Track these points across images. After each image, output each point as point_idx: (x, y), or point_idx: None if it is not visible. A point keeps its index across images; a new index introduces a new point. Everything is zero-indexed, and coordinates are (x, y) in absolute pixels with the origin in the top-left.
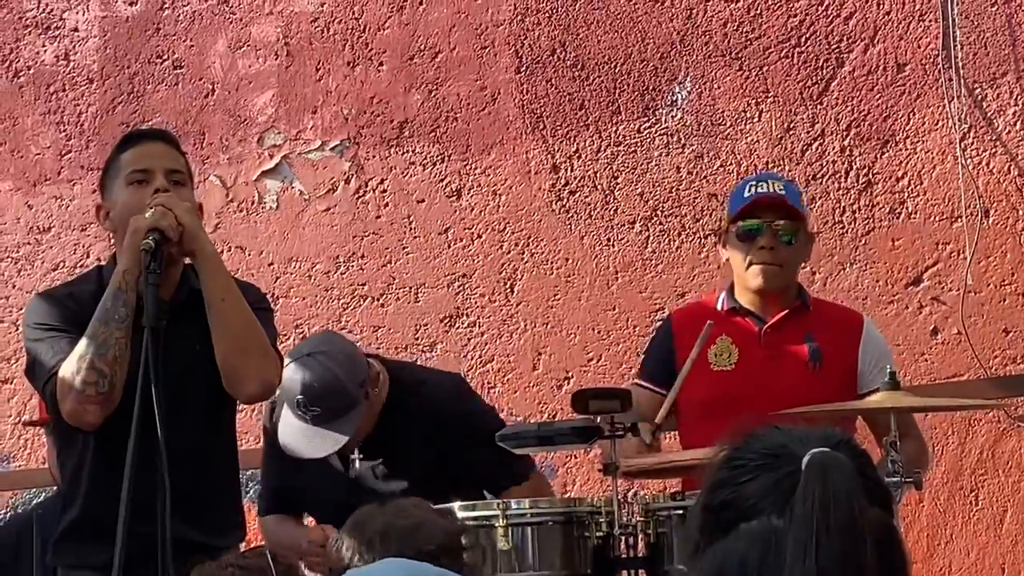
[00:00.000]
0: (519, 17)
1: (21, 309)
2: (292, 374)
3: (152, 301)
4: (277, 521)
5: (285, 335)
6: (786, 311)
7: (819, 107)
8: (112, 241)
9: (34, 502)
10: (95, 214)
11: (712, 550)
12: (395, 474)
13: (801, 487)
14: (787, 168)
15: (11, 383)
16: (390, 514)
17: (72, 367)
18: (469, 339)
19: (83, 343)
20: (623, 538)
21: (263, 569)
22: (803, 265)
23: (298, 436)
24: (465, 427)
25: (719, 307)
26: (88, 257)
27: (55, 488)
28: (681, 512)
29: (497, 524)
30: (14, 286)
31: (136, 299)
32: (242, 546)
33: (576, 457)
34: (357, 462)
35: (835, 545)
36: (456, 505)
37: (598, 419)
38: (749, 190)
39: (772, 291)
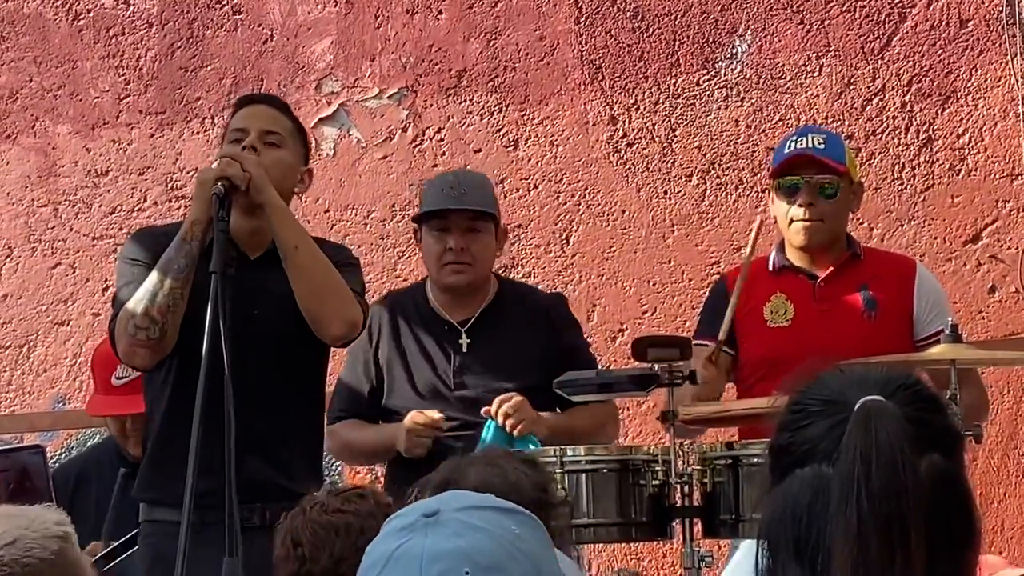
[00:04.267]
0: None
1: (78, 252)
2: (447, 172)
3: (220, 247)
4: (354, 425)
5: None
6: (838, 263)
7: (880, 62)
8: None
9: (89, 444)
10: None
11: (772, 494)
12: (496, 374)
13: (846, 437)
14: (847, 123)
15: (67, 325)
16: (483, 470)
17: (129, 311)
18: None
19: (142, 289)
20: (679, 487)
21: (372, 513)
22: (854, 216)
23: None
24: (562, 328)
25: (770, 265)
26: (145, 201)
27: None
28: (734, 461)
29: (553, 471)
30: (71, 229)
31: (205, 248)
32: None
33: (629, 408)
34: (465, 346)
35: (875, 497)
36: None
37: (656, 367)
38: (789, 146)
39: (816, 247)
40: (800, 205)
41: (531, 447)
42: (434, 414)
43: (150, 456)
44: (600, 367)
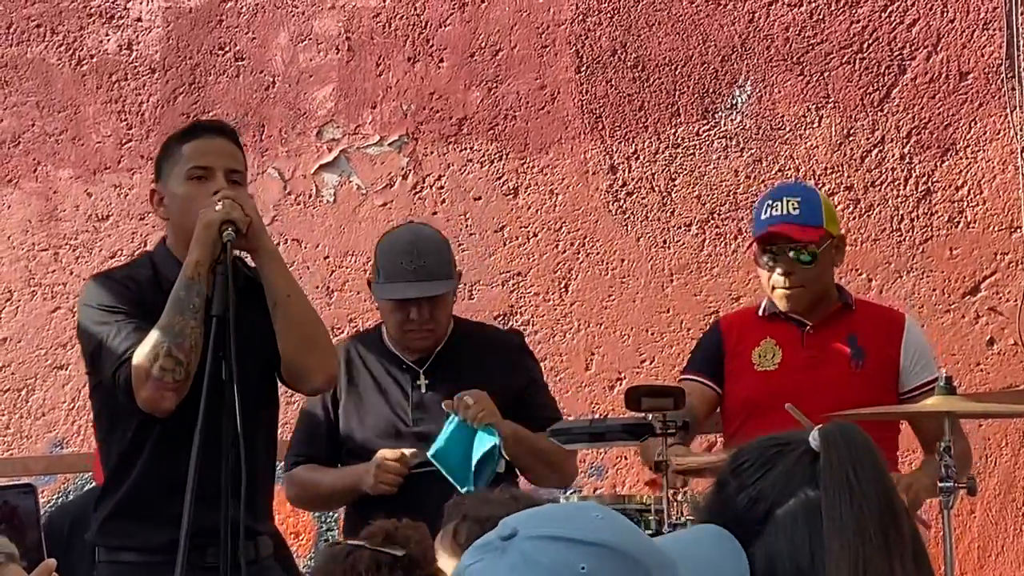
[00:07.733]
0: (580, 17)
1: (78, 296)
2: (401, 233)
3: (224, 292)
4: (312, 469)
5: (339, 329)
6: (827, 313)
7: (880, 114)
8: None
9: (86, 488)
10: (148, 197)
11: (757, 547)
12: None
13: (824, 452)
14: (846, 174)
15: (66, 369)
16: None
17: (149, 355)
18: None
19: (159, 332)
20: None
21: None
22: (851, 267)
23: (401, 289)
24: (520, 364)
25: (761, 312)
26: (146, 246)
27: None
28: None
29: None
30: (72, 273)
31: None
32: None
33: (626, 458)
34: (423, 386)
35: (867, 490)
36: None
37: (650, 416)
38: (765, 211)
39: (801, 310)
40: (780, 274)
41: (492, 438)
42: (405, 450)
43: (119, 505)
44: (598, 415)
